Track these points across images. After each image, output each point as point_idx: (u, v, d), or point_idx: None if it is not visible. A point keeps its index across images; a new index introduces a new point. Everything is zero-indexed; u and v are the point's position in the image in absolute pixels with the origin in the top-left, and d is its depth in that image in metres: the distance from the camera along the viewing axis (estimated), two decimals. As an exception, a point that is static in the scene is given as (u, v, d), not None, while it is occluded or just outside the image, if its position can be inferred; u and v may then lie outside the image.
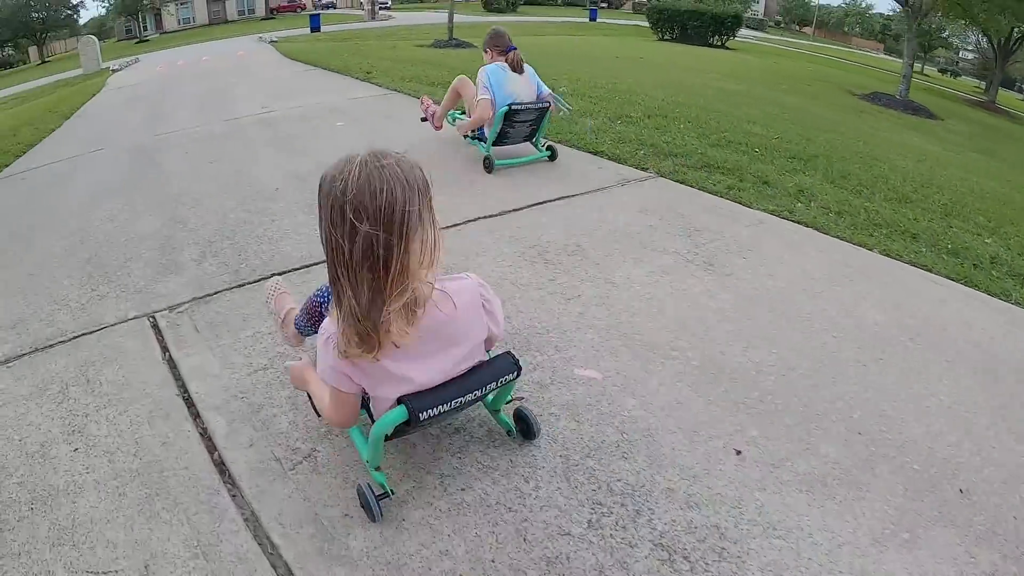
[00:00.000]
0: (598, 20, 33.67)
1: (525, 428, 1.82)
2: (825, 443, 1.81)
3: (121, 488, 1.71)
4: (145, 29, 44.88)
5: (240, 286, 2.73)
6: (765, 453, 1.78)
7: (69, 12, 44.74)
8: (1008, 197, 6.39)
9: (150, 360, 2.25)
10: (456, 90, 4.23)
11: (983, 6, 16.21)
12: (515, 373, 1.60)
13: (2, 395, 2.15)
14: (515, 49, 4.03)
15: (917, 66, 16.75)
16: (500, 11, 39.96)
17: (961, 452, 1.82)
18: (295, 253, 3.04)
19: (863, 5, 68.55)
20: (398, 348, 1.35)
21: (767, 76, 15.11)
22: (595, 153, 4.54)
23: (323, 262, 1.35)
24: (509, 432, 1.84)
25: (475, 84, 4.01)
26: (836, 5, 69.27)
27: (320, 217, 1.27)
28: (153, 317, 2.54)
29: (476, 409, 1.91)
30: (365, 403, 1.59)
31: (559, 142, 4.74)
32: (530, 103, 3.95)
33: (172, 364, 2.21)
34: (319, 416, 1.80)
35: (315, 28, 23.76)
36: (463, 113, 4.42)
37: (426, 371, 1.45)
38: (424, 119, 4.64)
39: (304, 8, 47.73)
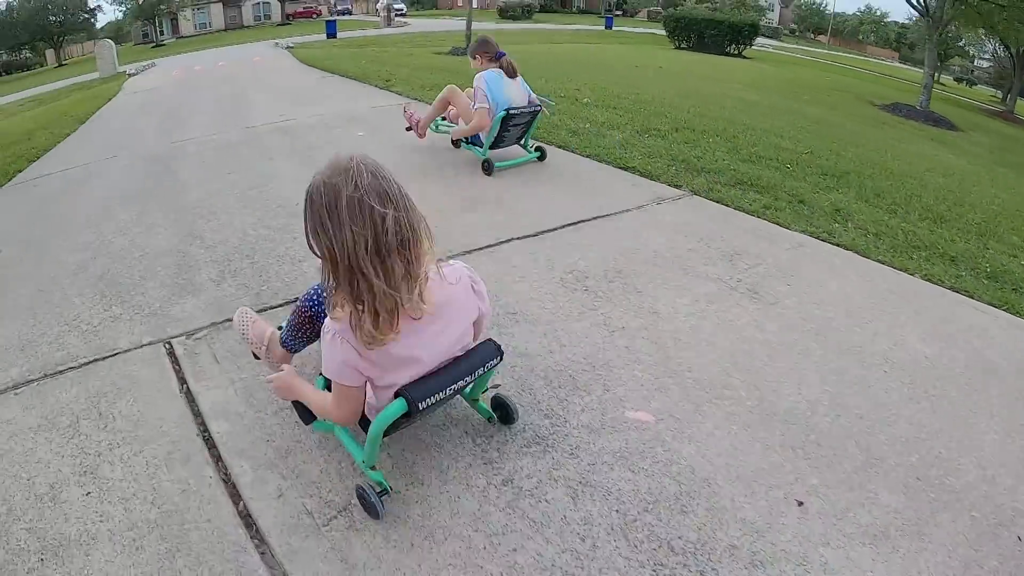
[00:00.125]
0: (614, 28, 33.59)
1: (504, 414, 1.89)
2: (885, 490, 1.73)
3: (138, 541, 1.57)
4: (162, 33, 45.20)
5: (261, 311, 2.56)
6: (827, 503, 1.68)
7: (86, 16, 45.25)
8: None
9: (166, 393, 2.10)
10: (445, 100, 4.33)
11: (1003, 14, 16.05)
12: (498, 358, 1.66)
13: (9, 426, 2.02)
14: (505, 55, 4.13)
15: (933, 75, 16.67)
16: (515, 18, 40.03)
17: (1018, 497, 1.75)
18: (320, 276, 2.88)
19: (878, 13, 68.25)
20: (416, 320, 1.42)
21: (786, 86, 14.95)
22: (626, 168, 4.39)
23: None
24: (490, 419, 1.91)
25: (473, 91, 4.04)
26: (851, 13, 69.00)
27: (322, 224, 1.31)
28: (169, 343, 2.39)
29: (513, 458, 1.79)
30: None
31: (588, 156, 4.60)
32: (524, 107, 4.05)
33: (190, 398, 2.07)
34: (306, 424, 1.78)
35: (331, 34, 23.67)
36: (444, 119, 4.61)
37: (432, 349, 1.52)
38: (409, 128, 4.65)
39: (320, 14, 47.90)
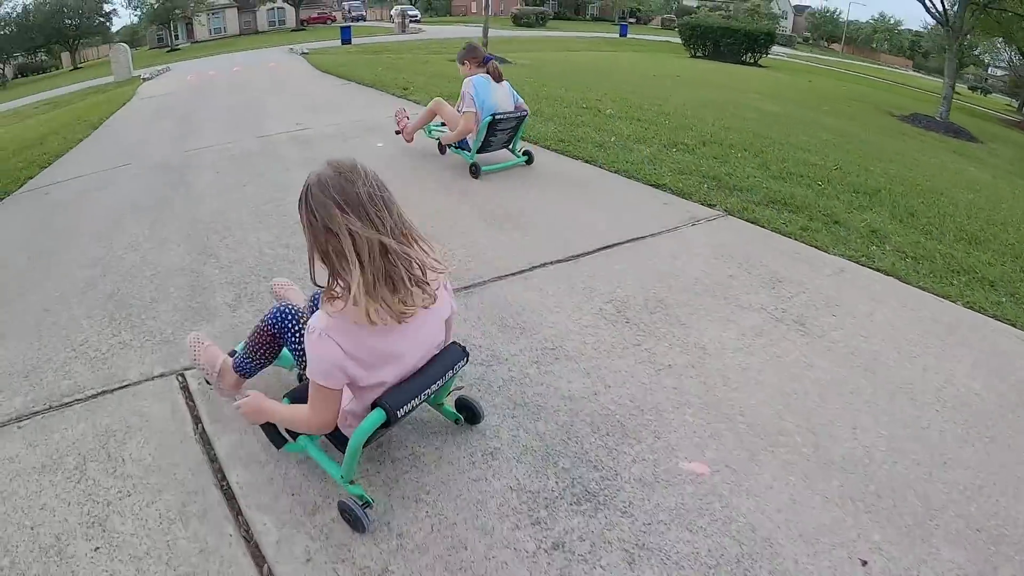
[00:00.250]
0: (628, 36, 33.45)
1: (470, 415, 1.93)
2: (947, 545, 1.64)
3: (152, 610, 1.41)
4: (176, 38, 45.28)
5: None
6: (891, 562, 1.58)
7: (102, 19, 45.43)
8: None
9: (180, 434, 1.95)
10: (432, 111, 4.51)
11: (1022, 23, 15.91)
12: (464, 360, 1.70)
13: (12, 464, 1.88)
14: (492, 59, 4.26)
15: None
16: (529, 26, 39.98)
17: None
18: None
19: (891, 21, 67.87)
20: (426, 309, 1.48)
21: (804, 96, 14.76)
22: (657, 186, 4.22)
23: None
24: (456, 421, 1.94)
25: (460, 97, 4.13)
26: (864, 21, 68.66)
27: (338, 205, 1.34)
28: (183, 376, 2.24)
29: (563, 518, 1.63)
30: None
31: (616, 172, 4.44)
32: (510, 112, 4.16)
33: (206, 442, 1.91)
34: (277, 448, 1.75)
35: (346, 40, 23.63)
36: (443, 125, 4.69)
37: (413, 345, 1.55)
38: (398, 132, 4.82)
39: (334, 20, 47.99)
